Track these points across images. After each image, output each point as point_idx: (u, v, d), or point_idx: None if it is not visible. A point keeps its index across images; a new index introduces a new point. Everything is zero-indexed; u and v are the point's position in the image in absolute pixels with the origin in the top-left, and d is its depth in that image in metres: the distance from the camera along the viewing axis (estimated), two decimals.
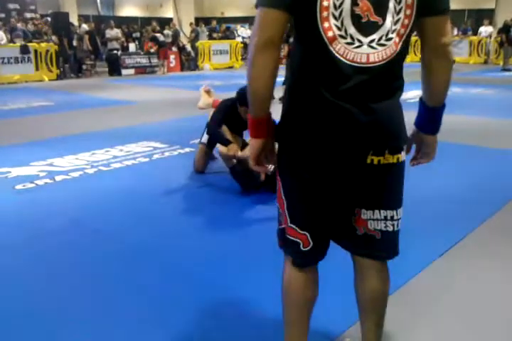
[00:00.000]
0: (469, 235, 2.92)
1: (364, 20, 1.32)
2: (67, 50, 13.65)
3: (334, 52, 1.34)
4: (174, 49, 15.57)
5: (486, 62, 16.46)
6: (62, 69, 13.64)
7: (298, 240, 1.52)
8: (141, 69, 14.85)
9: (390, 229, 1.53)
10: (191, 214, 3.43)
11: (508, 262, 2.63)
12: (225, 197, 3.75)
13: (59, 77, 13.30)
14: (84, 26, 15.19)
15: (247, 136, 4.04)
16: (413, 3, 1.35)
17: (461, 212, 3.30)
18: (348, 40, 1.33)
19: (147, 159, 4.81)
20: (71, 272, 2.59)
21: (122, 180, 4.16)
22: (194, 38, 16.70)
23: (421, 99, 1.57)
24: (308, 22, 1.33)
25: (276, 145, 1.52)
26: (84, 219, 3.31)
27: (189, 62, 16.42)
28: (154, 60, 15.15)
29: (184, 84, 11.70)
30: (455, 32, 16.98)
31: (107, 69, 14.83)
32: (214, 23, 18.58)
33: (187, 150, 5.15)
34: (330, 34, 1.32)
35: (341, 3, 1.30)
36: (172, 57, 15.47)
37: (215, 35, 17.69)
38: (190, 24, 17.88)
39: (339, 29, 1.32)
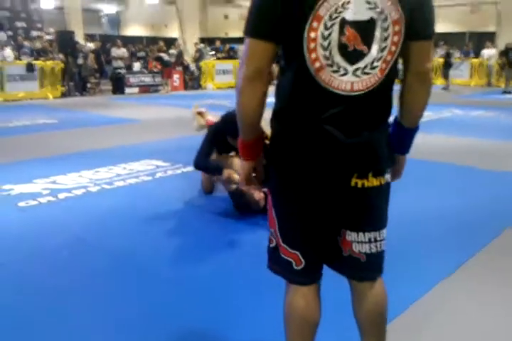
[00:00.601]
0: (469, 261, 2.90)
1: (350, 49, 1.35)
2: (73, 68, 13.82)
3: (320, 81, 1.37)
4: (178, 68, 15.75)
5: (489, 84, 16.55)
6: (67, 87, 13.78)
7: (290, 259, 1.54)
8: (145, 88, 14.99)
9: (374, 250, 1.56)
10: (191, 235, 3.44)
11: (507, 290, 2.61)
12: (226, 219, 3.73)
13: (64, 95, 13.43)
14: (90, 45, 15.40)
15: None
16: (400, 30, 1.37)
17: (459, 236, 3.27)
18: (334, 68, 1.36)
19: (150, 177, 4.83)
20: (73, 288, 2.58)
21: (125, 199, 4.17)
22: (198, 58, 16.91)
23: (395, 119, 1.59)
24: (295, 52, 1.36)
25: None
26: (87, 238, 3.31)
27: (193, 81, 16.59)
28: (158, 79, 15.31)
29: (187, 103, 11.68)
30: (457, 54, 17.16)
31: (111, 87, 14.99)
32: (218, 43, 18.82)
33: (189, 169, 5.14)
34: (317, 65, 1.35)
35: (329, 34, 1.33)
36: (176, 76, 15.64)
37: (218, 54, 17.92)
38: (195, 44, 18.11)
39: (327, 59, 1.35)
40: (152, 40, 24.13)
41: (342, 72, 1.37)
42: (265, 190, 1.68)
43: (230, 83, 16.81)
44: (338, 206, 1.50)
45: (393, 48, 1.39)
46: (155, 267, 2.86)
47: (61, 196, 4.19)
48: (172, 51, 16.08)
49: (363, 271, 1.59)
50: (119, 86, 14.60)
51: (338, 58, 1.36)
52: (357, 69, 1.37)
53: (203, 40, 20.27)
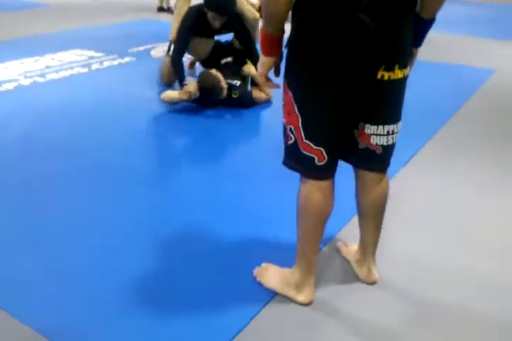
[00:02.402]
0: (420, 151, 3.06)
1: None
2: None
3: None
4: None
5: None
6: None
7: (313, 155, 1.53)
8: None
9: (390, 142, 1.59)
10: (148, 129, 3.32)
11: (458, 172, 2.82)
12: (184, 112, 3.61)
13: None
14: None
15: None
16: None
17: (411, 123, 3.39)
18: None
19: (86, 69, 4.47)
20: (27, 186, 2.46)
21: (64, 93, 3.86)
22: None
23: (414, 11, 1.53)
24: None
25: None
26: (34, 135, 3.07)
27: None
28: None
29: None
30: None
31: None
32: None
33: (127, 59, 4.83)
34: None
35: None
36: None
37: None
38: None
39: None
40: None
41: None
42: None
43: None
44: (362, 99, 1.48)
45: None
46: (115, 164, 2.76)
47: None
48: None
49: (377, 162, 1.63)
50: None
51: None
52: None
53: None
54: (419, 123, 3.23)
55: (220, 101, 3.57)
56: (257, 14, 3.87)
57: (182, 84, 3.50)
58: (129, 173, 2.65)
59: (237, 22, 3.62)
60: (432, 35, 1.56)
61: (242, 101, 3.62)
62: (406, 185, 2.52)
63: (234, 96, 3.56)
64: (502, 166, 2.86)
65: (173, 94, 3.52)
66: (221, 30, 3.65)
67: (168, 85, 3.98)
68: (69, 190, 2.47)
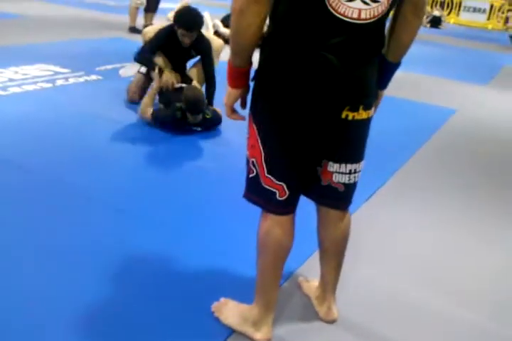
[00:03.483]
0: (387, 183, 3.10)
1: None
2: None
3: (327, 4, 1.27)
4: None
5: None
6: None
7: (274, 190, 1.51)
8: None
9: (352, 181, 1.59)
10: (112, 147, 3.23)
11: (424, 204, 2.86)
12: (153, 131, 3.55)
13: None
14: None
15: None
16: None
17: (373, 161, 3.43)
18: None
19: (50, 84, 4.35)
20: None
21: (29, 108, 3.73)
22: None
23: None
24: None
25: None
26: None
27: None
28: None
29: (70, 0, 10.59)
30: None
31: None
32: None
33: (94, 77, 4.75)
34: None
35: None
36: None
37: None
38: None
39: None
40: None
41: None
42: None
43: None
44: (325, 137, 1.48)
45: None
46: (71, 182, 2.66)
47: None
48: None
49: (340, 200, 1.63)
50: None
51: None
52: None
53: None
54: (381, 159, 3.26)
55: (193, 124, 3.55)
56: (222, 42, 4.20)
57: (153, 67, 3.64)
58: (84, 193, 2.55)
59: (204, 44, 3.80)
60: (397, 72, 1.58)
61: (214, 121, 3.65)
62: (367, 221, 2.52)
63: (207, 116, 3.57)
64: (460, 204, 2.92)
65: (146, 100, 3.60)
66: (190, 51, 3.80)
67: (134, 101, 3.98)
68: (20, 208, 2.36)
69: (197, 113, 3.45)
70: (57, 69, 4.88)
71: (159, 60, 3.75)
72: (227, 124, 3.59)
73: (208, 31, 3.91)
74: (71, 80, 4.57)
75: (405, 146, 3.79)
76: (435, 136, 4.14)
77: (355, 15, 1.30)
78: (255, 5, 1.25)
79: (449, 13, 16.42)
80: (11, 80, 4.34)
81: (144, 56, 3.69)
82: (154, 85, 3.67)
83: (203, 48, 3.80)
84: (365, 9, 1.30)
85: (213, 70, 3.83)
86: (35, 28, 7.17)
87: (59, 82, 4.45)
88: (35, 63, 4.98)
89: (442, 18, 14.27)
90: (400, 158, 3.53)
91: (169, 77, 3.63)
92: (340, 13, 1.28)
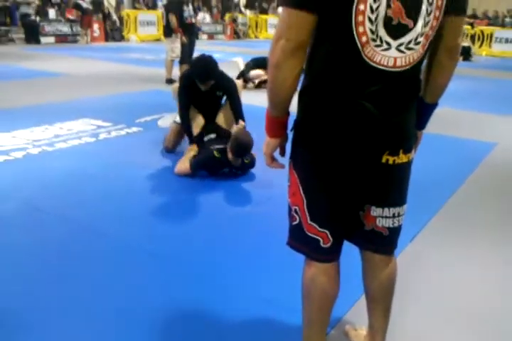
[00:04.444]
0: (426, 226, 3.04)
1: (394, 22, 1.29)
2: None
3: (363, 55, 1.31)
4: (98, 17, 14.76)
5: None
6: None
7: (318, 237, 1.51)
8: (62, 38, 13.98)
9: (396, 224, 1.58)
10: (154, 198, 3.31)
11: (467, 251, 2.78)
12: (190, 180, 3.64)
13: None
14: None
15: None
16: (442, 4, 1.34)
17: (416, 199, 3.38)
18: (377, 42, 1.31)
19: (93, 139, 4.55)
20: (33, 259, 2.40)
21: (73, 162, 3.90)
22: (117, 7, 15.96)
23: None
24: (339, 25, 1.28)
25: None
26: (39, 204, 3.07)
27: (114, 32, 15.65)
28: (76, 28, 14.28)
29: (110, 56, 11.18)
30: None
31: (23, 35, 13.78)
32: None
33: (134, 129, 4.93)
34: (363, 39, 1.29)
35: (378, 7, 1.26)
36: (96, 26, 14.66)
37: (137, 5, 16.93)
38: None
39: (372, 33, 1.29)
40: None
41: (385, 46, 1.31)
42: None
43: (155, 36, 16.11)
44: (367, 182, 1.48)
45: (434, 23, 1.35)
46: (118, 235, 2.72)
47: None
48: None
49: (385, 244, 1.61)
50: (33, 35, 13.45)
51: (381, 32, 1.30)
52: (400, 45, 1.32)
53: None
54: (424, 197, 3.22)
55: (233, 168, 3.68)
56: (240, 82, 4.52)
57: (190, 139, 3.87)
58: (127, 245, 2.61)
59: (227, 82, 3.94)
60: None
61: (251, 165, 3.74)
62: (413, 263, 2.46)
63: (246, 161, 3.66)
64: (508, 244, 2.82)
65: (183, 165, 3.68)
66: (214, 92, 3.93)
67: (169, 151, 4.16)
68: (67, 261, 2.42)
69: (243, 156, 3.55)
70: (100, 123, 5.10)
71: (193, 114, 3.94)
72: (260, 167, 3.63)
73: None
74: (113, 133, 4.76)
75: (447, 183, 3.74)
76: (477, 171, 4.07)
77: (390, 64, 1.33)
78: (292, 59, 1.29)
79: (481, 45, 16.41)
80: (56, 136, 4.55)
81: (181, 113, 3.90)
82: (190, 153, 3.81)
83: (226, 85, 3.92)
84: (401, 57, 1.33)
85: (241, 107, 3.92)
86: (77, 84, 7.57)
87: (102, 136, 4.64)
88: (79, 118, 5.23)
89: (472, 50, 14.26)
90: (443, 195, 3.48)
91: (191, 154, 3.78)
92: (375, 62, 1.32)
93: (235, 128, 3.72)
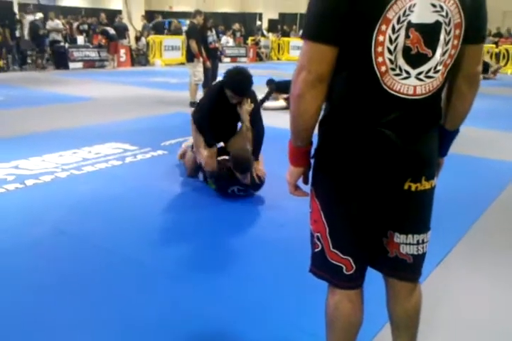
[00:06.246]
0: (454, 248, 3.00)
1: (413, 52, 1.31)
2: (10, 41, 12.99)
3: (383, 83, 1.33)
4: (125, 43, 15.14)
5: None
6: (5, 60, 12.96)
7: (341, 265, 1.51)
8: (90, 63, 14.36)
9: (421, 251, 1.56)
10: (177, 219, 3.34)
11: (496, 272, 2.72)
12: (210, 200, 3.68)
13: (2, 69, 12.63)
14: (30, 17, 14.46)
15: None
16: (460, 34, 1.35)
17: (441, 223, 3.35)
18: (397, 71, 1.33)
19: (120, 162, 4.64)
20: (61, 283, 2.45)
21: (99, 185, 3.98)
22: (141, 34, 16.39)
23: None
24: (359, 56, 1.31)
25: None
26: (66, 228, 3.13)
27: (140, 57, 16.02)
28: (104, 54, 14.68)
29: (136, 81, 11.43)
30: None
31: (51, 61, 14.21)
32: (159, 17, 18.22)
33: (160, 152, 5.02)
34: (383, 69, 1.31)
35: (397, 37, 1.29)
36: (122, 51, 15.04)
37: (165, 31, 17.36)
38: (143, 17, 17.48)
39: (392, 62, 1.31)
40: (91, 12, 23.03)
41: (404, 75, 1.33)
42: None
43: (179, 60, 16.42)
44: (389, 209, 1.48)
45: (453, 52, 1.37)
46: (145, 259, 2.76)
47: (29, 183, 3.94)
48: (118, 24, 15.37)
49: (409, 272, 1.60)
50: (61, 61, 13.87)
51: (401, 61, 1.32)
52: (420, 73, 1.34)
53: (148, 14, 19.53)
54: (448, 221, 3.17)
55: (242, 185, 3.73)
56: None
57: (210, 145, 3.87)
58: (154, 271, 2.63)
59: (254, 100, 3.86)
60: None
61: (261, 184, 3.79)
62: (439, 290, 2.43)
63: (257, 182, 3.75)
64: None
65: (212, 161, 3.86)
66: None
67: (193, 175, 4.21)
68: (96, 286, 2.46)
69: (246, 170, 3.61)
70: (127, 146, 5.21)
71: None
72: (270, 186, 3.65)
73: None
74: (139, 157, 4.84)
75: (473, 205, 3.69)
76: (504, 192, 4.01)
77: (410, 92, 1.35)
78: (313, 90, 1.32)
79: (506, 64, 16.28)
80: (84, 160, 4.66)
81: (201, 125, 3.92)
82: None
83: (255, 106, 3.84)
84: (420, 85, 1.35)
85: (262, 123, 3.89)
86: (104, 108, 7.75)
87: (128, 160, 4.73)
88: (107, 142, 5.34)
89: (491, 67, 14.07)
90: (468, 218, 3.43)
91: (210, 165, 3.84)
92: (395, 91, 1.33)
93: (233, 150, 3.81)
